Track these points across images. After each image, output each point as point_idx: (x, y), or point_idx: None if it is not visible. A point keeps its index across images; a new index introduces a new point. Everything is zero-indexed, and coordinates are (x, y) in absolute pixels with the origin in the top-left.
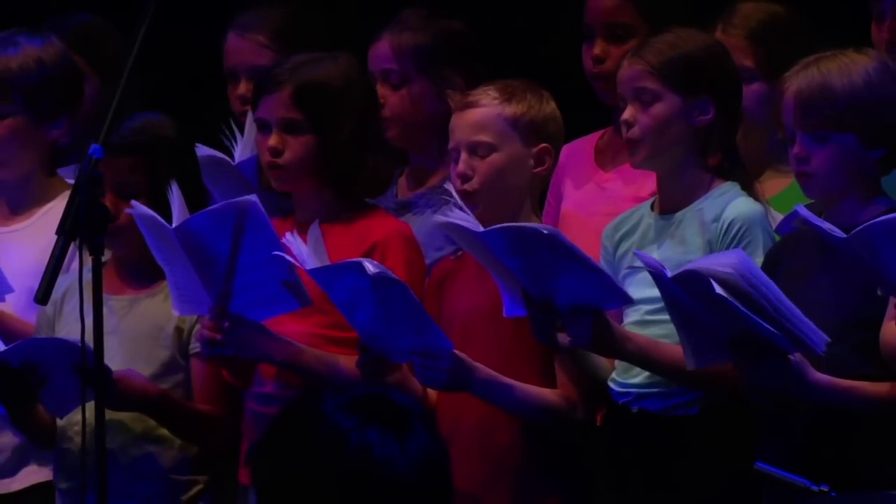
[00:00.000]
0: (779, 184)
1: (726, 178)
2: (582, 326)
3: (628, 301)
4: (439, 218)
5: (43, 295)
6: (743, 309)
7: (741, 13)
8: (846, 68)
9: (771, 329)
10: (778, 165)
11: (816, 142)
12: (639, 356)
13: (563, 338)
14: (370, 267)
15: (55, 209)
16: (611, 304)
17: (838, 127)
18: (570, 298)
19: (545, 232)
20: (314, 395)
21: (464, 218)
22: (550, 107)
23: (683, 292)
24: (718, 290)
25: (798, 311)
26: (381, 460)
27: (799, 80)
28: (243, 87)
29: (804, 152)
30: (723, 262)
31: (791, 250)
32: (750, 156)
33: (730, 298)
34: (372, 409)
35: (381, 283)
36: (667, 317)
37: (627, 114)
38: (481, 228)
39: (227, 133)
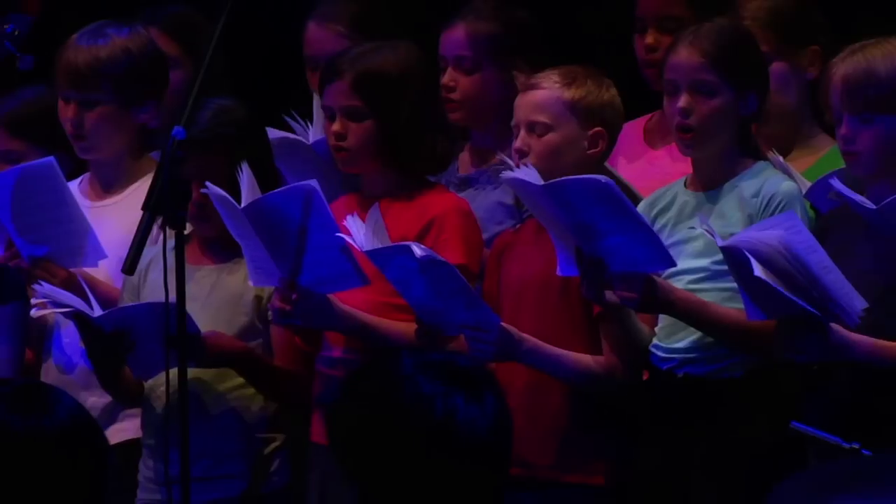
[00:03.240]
0: (807, 157)
1: (753, 157)
2: (631, 286)
3: (672, 263)
4: (506, 174)
5: (130, 266)
6: (781, 290)
7: (751, 5)
8: (890, 54)
9: (807, 306)
10: (807, 142)
11: (862, 123)
12: (687, 314)
13: (610, 296)
14: (417, 250)
15: (143, 187)
16: (656, 266)
17: (882, 109)
18: (619, 259)
19: (602, 181)
20: (391, 359)
21: (527, 173)
22: (610, 94)
23: (729, 262)
24: (757, 271)
25: (840, 280)
26: (465, 422)
27: (845, 65)
28: None
29: (850, 133)
30: (769, 235)
31: (839, 222)
32: (779, 133)
33: (768, 280)
34: (451, 374)
35: (429, 265)
36: (709, 286)
37: (684, 102)
38: (542, 182)
39: (297, 118)
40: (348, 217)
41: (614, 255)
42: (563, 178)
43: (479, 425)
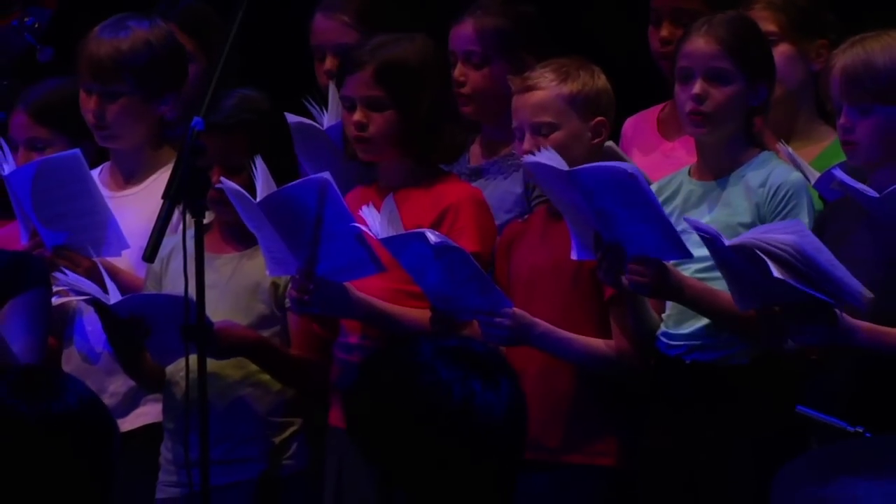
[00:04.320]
0: (811, 151)
1: (758, 147)
2: (644, 272)
3: (688, 254)
4: (528, 158)
5: (150, 254)
6: (799, 286)
7: None
8: (888, 46)
9: (822, 296)
10: (812, 131)
11: (860, 113)
12: (696, 301)
13: (625, 281)
14: (432, 237)
15: (163, 177)
16: (672, 256)
17: (880, 99)
18: (636, 246)
19: (628, 170)
20: (408, 345)
21: (550, 157)
22: (602, 80)
23: (737, 257)
24: (776, 273)
25: (848, 274)
26: (482, 407)
27: (845, 57)
28: (329, 63)
29: (849, 123)
30: (780, 238)
31: (838, 212)
32: (780, 119)
33: (787, 279)
34: (468, 359)
35: (443, 251)
36: (715, 275)
37: (699, 88)
38: (567, 167)
39: (313, 103)
40: (364, 207)
41: (631, 242)
42: (588, 164)
43: (496, 410)
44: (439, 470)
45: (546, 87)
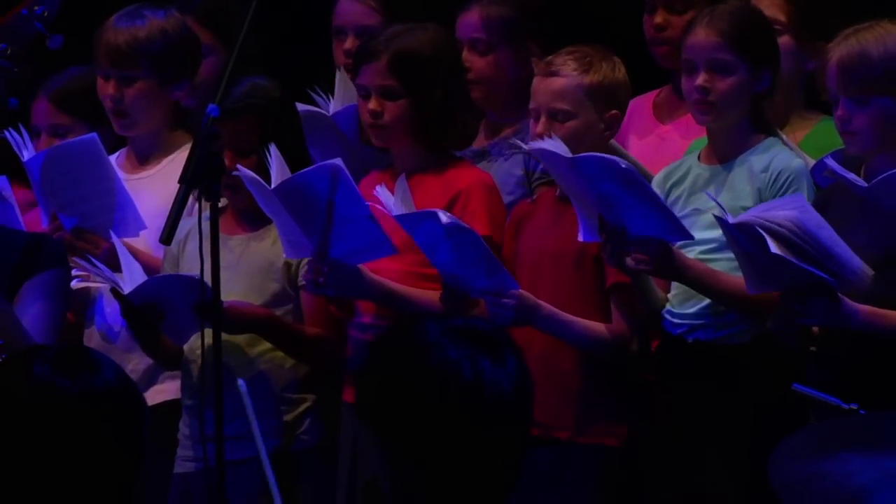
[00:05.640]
0: (801, 129)
1: (765, 133)
2: (648, 252)
3: (689, 236)
4: (533, 144)
5: (167, 236)
6: (797, 262)
7: None
8: (882, 37)
9: (823, 275)
10: (801, 113)
11: (856, 104)
12: (697, 282)
13: (629, 261)
14: (443, 217)
15: (178, 159)
16: (674, 238)
17: (876, 90)
18: (639, 228)
19: (623, 166)
20: (415, 324)
21: (555, 145)
22: (622, 73)
23: (741, 236)
24: (774, 248)
25: (849, 251)
26: (492, 383)
27: (840, 49)
28: (349, 43)
29: (846, 114)
30: (780, 215)
31: (832, 199)
32: (776, 105)
33: (784, 255)
34: (475, 338)
35: (454, 231)
36: (720, 256)
37: (703, 80)
38: (571, 155)
39: (319, 92)
40: (378, 187)
41: (634, 224)
42: (587, 153)
43: (505, 386)
44: (452, 447)
45: (568, 74)
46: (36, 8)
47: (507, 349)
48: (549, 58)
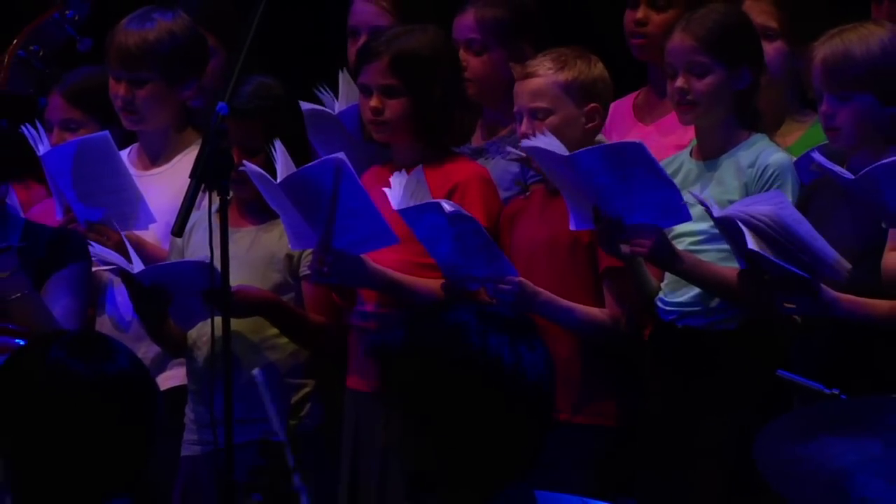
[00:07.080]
0: (796, 131)
1: (753, 130)
2: (644, 239)
3: (687, 216)
4: (526, 142)
5: (178, 228)
6: (773, 259)
7: None
8: (865, 37)
9: (799, 271)
10: (795, 115)
11: (840, 101)
12: (689, 272)
13: (624, 248)
14: (446, 206)
15: (187, 157)
16: (672, 220)
17: (858, 88)
18: (635, 216)
19: (637, 143)
20: (449, 310)
21: (549, 142)
22: (598, 69)
23: (727, 229)
24: (751, 244)
25: (826, 245)
26: (531, 367)
27: (824, 48)
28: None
29: (830, 110)
30: (760, 209)
31: (816, 192)
32: (771, 107)
33: (761, 251)
34: (508, 323)
35: (457, 220)
36: (709, 247)
37: (681, 82)
38: (566, 152)
39: (324, 90)
40: (395, 174)
41: (630, 212)
42: (589, 147)
43: (540, 370)
44: (486, 428)
45: (543, 74)
46: (67, 12)
47: (535, 334)
48: (527, 62)
